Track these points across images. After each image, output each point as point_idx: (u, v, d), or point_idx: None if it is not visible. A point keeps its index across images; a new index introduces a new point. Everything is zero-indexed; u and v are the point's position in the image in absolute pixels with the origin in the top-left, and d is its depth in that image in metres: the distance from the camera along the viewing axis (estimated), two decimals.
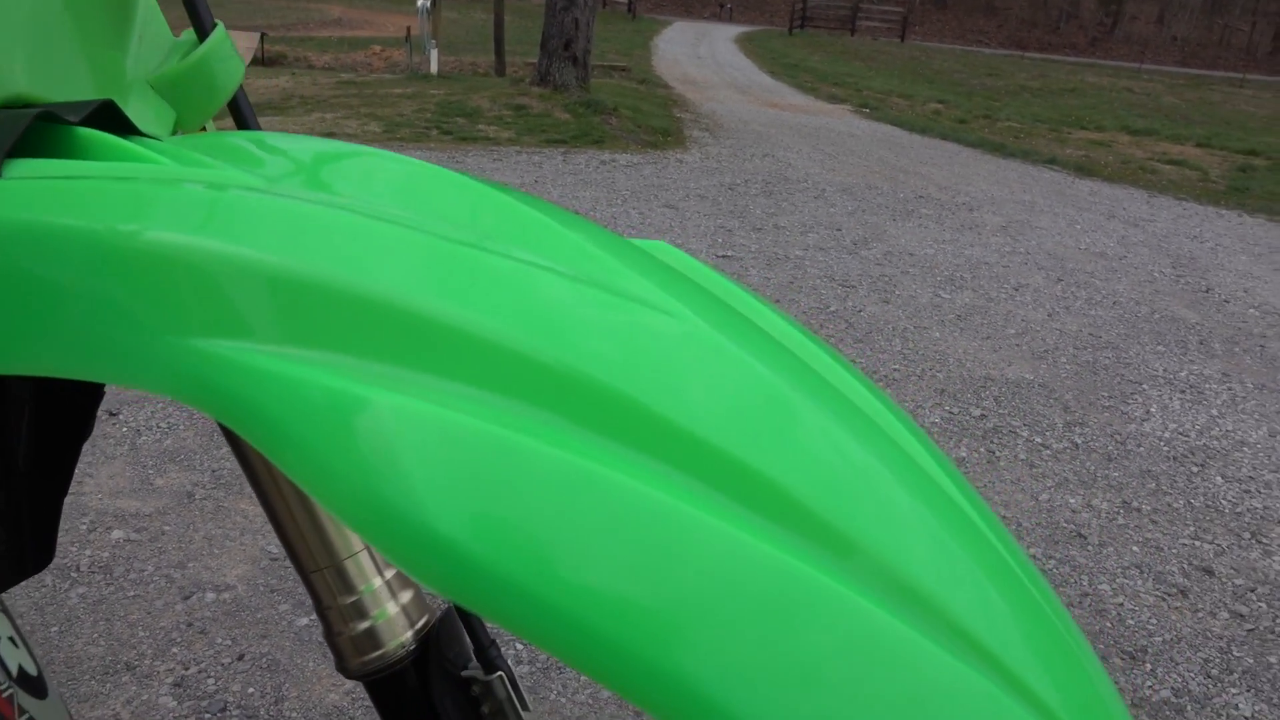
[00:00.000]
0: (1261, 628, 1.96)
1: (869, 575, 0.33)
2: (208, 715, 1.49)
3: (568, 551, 0.29)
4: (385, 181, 0.40)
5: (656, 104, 9.43)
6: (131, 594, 1.74)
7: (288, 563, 1.86)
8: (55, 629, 1.64)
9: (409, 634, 0.53)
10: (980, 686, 0.32)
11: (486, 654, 0.56)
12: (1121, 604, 1.99)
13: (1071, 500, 2.41)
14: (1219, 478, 2.62)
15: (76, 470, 2.12)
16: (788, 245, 4.60)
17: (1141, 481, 2.55)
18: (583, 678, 1.63)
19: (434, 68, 10.83)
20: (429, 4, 10.80)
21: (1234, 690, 1.76)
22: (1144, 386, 3.24)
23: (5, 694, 0.48)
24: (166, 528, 1.94)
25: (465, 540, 0.28)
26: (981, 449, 2.65)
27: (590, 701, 1.58)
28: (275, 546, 1.91)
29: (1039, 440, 2.74)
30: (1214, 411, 3.09)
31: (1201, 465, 2.69)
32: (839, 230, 5.01)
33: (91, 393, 0.56)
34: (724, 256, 4.28)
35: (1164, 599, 2.03)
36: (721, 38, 24.28)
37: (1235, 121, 13.26)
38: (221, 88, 0.50)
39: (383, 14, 23.14)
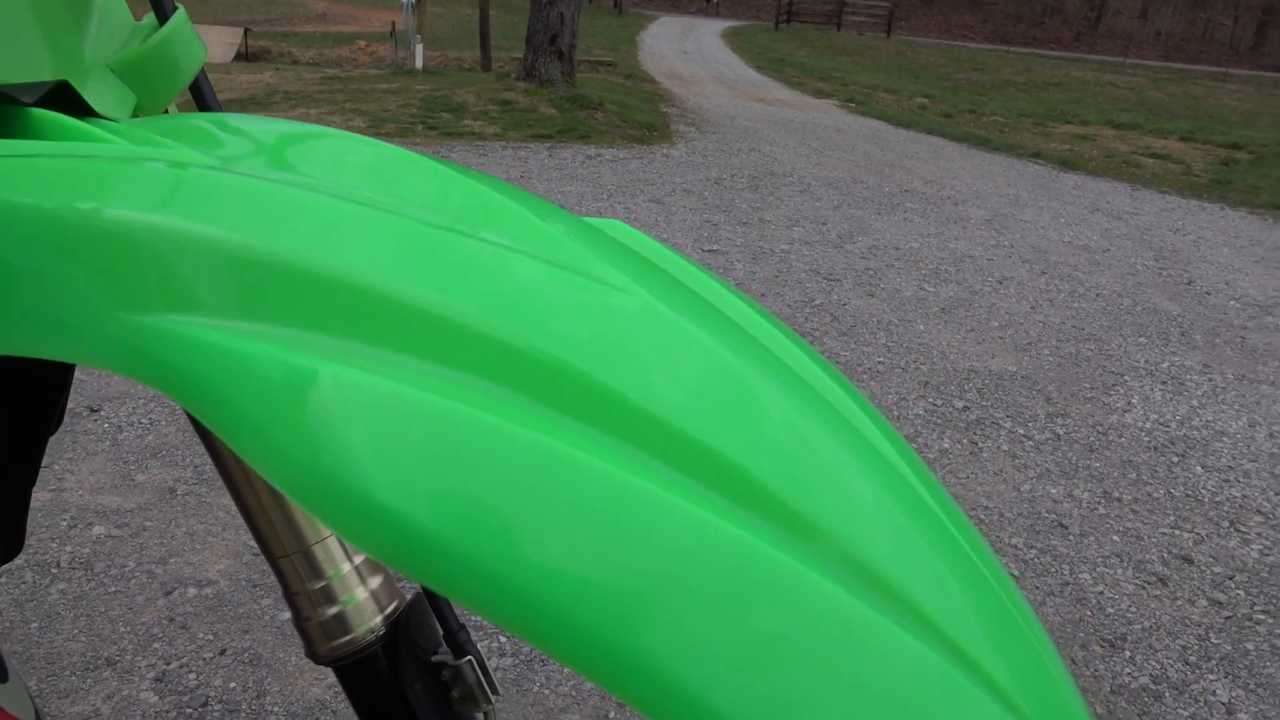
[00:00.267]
0: (1239, 615, 1.98)
1: (830, 558, 0.33)
2: (189, 710, 1.48)
3: (518, 523, 0.29)
4: (343, 160, 0.40)
5: (643, 99, 9.42)
6: (112, 590, 1.73)
7: None
8: (35, 625, 1.63)
9: (378, 619, 0.53)
10: (938, 666, 0.32)
11: (456, 638, 0.56)
12: (1101, 592, 2.01)
13: (1053, 490, 2.42)
14: (1199, 467, 2.64)
15: (58, 467, 2.10)
16: (773, 239, 4.61)
17: (1123, 472, 2.57)
18: (566, 669, 1.63)
19: (419, 63, 10.78)
20: None
21: (1211, 677, 1.78)
22: (1126, 378, 3.27)
23: None
24: (148, 523, 1.94)
25: (404, 507, 0.28)
26: (964, 440, 2.66)
27: (573, 694, 1.58)
28: None
29: (1021, 431, 2.76)
30: (1195, 402, 3.12)
31: (1182, 455, 2.71)
32: (824, 224, 5.02)
33: (59, 383, 0.56)
34: (710, 251, 4.28)
35: (1143, 587, 2.05)
36: (708, 32, 24.27)
37: (1218, 115, 13.35)
38: (182, 70, 0.49)
39: (368, 9, 23.03)
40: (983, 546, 0.42)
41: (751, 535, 0.32)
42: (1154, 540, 2.24)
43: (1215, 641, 1.89)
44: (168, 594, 1.73)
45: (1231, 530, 2.32)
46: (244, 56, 13.09)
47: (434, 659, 0.55)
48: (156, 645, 1.60)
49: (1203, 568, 2.15)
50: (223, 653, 1.60)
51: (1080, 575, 2.06)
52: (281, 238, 0.32)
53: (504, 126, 6.87)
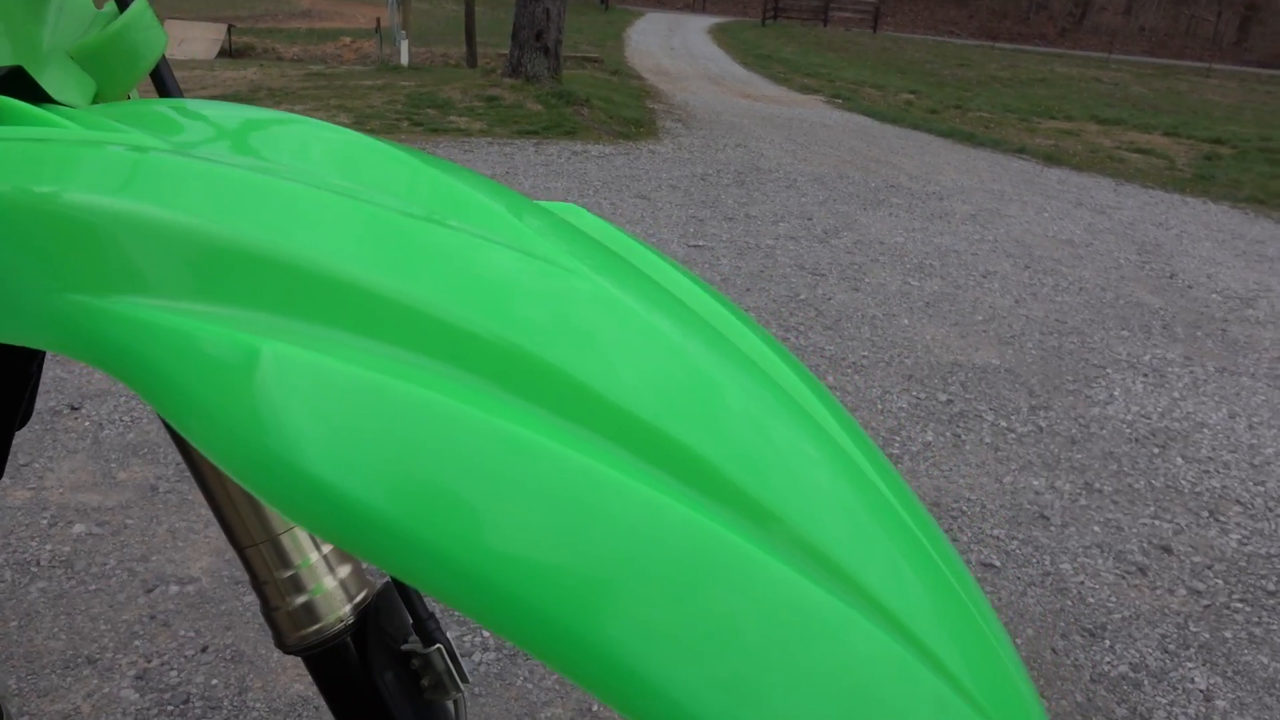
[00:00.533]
0: (1218, 604, 2.00)
1: (786, 544, 0.33)
2: (170, 707, 1.48)
3: (468, 504, 0.29)
4: (303, 145, 0.40)
5: (629, 95, 9.41)
6: (93, 588, 1.72)
7: None
8: (14, 624, 1.62)
9: (347, 608, 0.53)
10: (891, 649, 0.32)
11: (425, 627, 0.56)
12: (1082, 582, 2.02)
13: (1035, 482, 2.44)
14: (1179, 458, 2.67)
15: (37, 465, 2.09)
16: (759, 235, 4.61)
17: (1104, 463, 2.59)
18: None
19: (404, 59, 10.74)
20: None
21: (1190, 665, 1.80)
22: (1108, 370, 3.29)
23: None
24: (129, 521, 1.93)
25: (346, 484, 0.28)
26: (948, 433, 2.68)
27: (556, 687, 1.58)
28: None
29: (1004, 424, 2.77)
30: (1176, 394, 3.14)
31: (1163, 447, 2.73)
32: (810, 219, 5.03)
33: (23, 375, 0.56)
34: (695, 246, 4.29)
35: (1124, 577, 2.06)
36: (695, 29, 24.26)
37: (1201, 110, 13.44)
38: (143, 57, 0.49)
39: (352, 5, 22.91)
40: (937, 535, 0.42)
41: (708, 519, 0.32)
42: (1134, 531, 2.26)
43: (1194, 630, 1.90)
44: (149, 591, 1.73)
45: (1211, 520, 2.35)
46: (228, 53, 13.02)
47: (403, 648, 0.55)
48: (138, 643, 1.60)
49: (1182, 557, 2.17)
50: (205, 650, 1.60)
51: (1061, 565, 2.08)
52: (229, 219, 0.32)
53: (490, 123, 6.85)
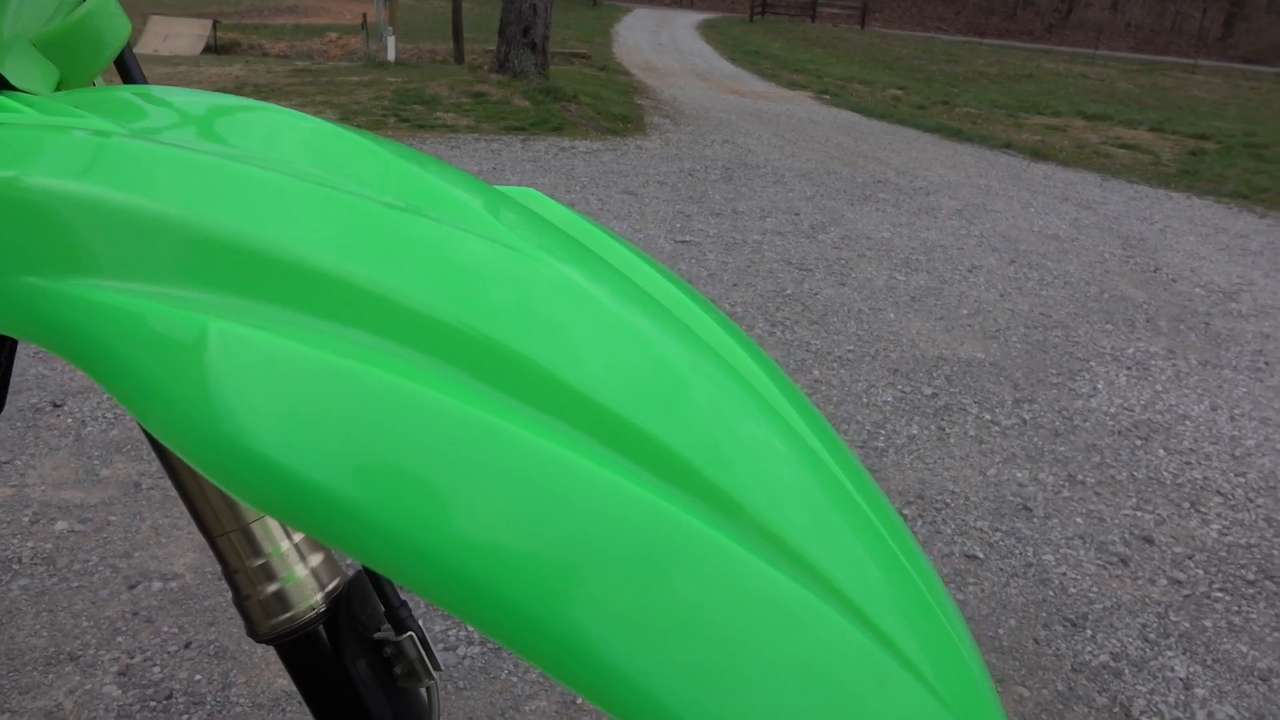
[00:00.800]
0: (1198, 593, 2.02)
1: (749, 532, 0.33)
2: (153, 703, 1.47)
3: (425, 486, 0.29)
4: (265, 131, 0.40)
5: (617, 91, 9.40)
6: (75, 585, 1.72)
7: None
8: None
9: (319, 596, 0.53)
10: (852, 636, 0.33)
11: (397, 614, 0.56)
12: (1064, 573, 2.04)
13: (1019, 474, 2.46)
14: (1161, 450, 2.69)
15: (19, 462, 2.08)
16: (746, 230, 4.62)
17: (1087, 455, 2.60)
18: None
19: (391, 55, 10.69)
20: None
21: (1170, 654, 1.81)
22: (1092, 364, 3.31)
23: None
24: (112, 518, 1.92)
25: (296, 464, 0.28)
26: (932, 426, 2.69)
27: (541, 680, 1.59)
28: None
29: (988, 417, 2.79)
30: (1158, 387, 3.16)
31: (1145, 439, 2.75)
32: (797, 215, 5.04)
33: None
34: (683, 241, 4.29)
35: (1105, 568, 2.08)
36: (682, 24, 24.24)
37: (1187, 106, 13.52)
38: (107, 45, 0.49)
39: (339, 1, 22.80)
40: (899, 526, 0.43)
41: (673, 506, 0.32)
42: (1116, 522, 2.27)
43: (1174, 619, 1.92)
44: (132, 588, 1.72)
45: (1192, 511, 2.37)
46: (213, 49, 12.95)
47: (376, 636, 0.56)
48: (120, 639, 1.59)
49: (1163, 548, 2.18)
50: (188, 646, 1.59)
51: (1044, 556, 2.09)
52: (187, 202, 0.32)
53: (477, 119, 6.83)
